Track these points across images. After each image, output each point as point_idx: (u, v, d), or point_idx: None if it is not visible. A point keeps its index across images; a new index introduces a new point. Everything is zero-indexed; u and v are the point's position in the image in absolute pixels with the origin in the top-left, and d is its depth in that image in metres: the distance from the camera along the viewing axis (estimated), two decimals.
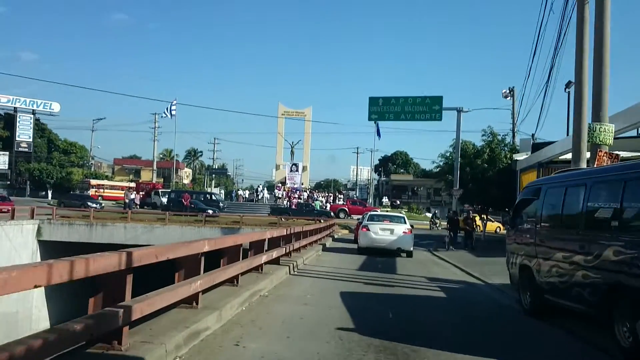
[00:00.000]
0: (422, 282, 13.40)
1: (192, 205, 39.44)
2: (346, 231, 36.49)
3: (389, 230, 20.73)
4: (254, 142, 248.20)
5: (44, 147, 79.12)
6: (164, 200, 51.42)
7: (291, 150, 69.58)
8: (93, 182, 61.73)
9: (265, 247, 12.51)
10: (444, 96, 31.46)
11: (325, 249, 22.27)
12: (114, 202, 53.78)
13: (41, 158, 76.88)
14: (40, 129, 78.73)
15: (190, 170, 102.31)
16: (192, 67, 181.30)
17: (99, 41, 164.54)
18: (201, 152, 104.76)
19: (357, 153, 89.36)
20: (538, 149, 32.15)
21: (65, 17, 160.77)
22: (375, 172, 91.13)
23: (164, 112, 60.01)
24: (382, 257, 19.88)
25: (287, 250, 14.06)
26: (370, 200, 70.95)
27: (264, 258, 10.74)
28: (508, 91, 37.07)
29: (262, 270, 10.87)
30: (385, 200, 66.19)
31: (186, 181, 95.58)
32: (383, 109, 31.36)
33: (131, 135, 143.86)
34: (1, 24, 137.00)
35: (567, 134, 33.35)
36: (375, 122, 61.13)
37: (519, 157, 30.07)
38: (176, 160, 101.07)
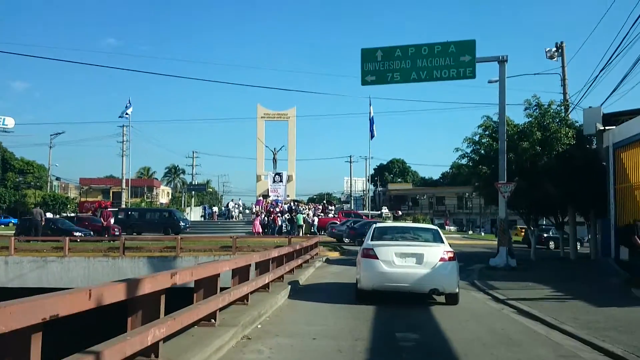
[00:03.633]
0: None
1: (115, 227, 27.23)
2: (336, 253, 24.51)
3: (414, 257, 10.22)
4: (237, 154, 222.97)
5: None
6: (112, 220, 39.78)
7: (273, 158, 57.38)
8: None
9: None
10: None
11: (292, 297, 10.29)
12: None
13: None
14: None
15: (168, 189, 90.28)
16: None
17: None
18: (182, 169, 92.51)
19: (350, 162, 77.53)
20: (612, 122, 20.83)
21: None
22: (370, 182, 79.18)
23: (123, 115, 48.46)
24: (406, 316, 8.15)
25: None
26: (367, 212, 58.85)
27: None
28: (554, 49, 25.50)
29: None
30: (385, 210, 54.15)
31: (164, 200, 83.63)
32: (384, 66, 19.55)
33: (103, 154, 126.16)
34: None
35: None
36: (370, 104, 49.75)
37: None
38: (153, 178, 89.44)
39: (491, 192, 21.67)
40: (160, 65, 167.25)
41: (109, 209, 27.31)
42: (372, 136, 52.88)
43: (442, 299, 10.71)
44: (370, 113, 50.41)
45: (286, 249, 12.96)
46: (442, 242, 10.90)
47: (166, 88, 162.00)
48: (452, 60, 18.98)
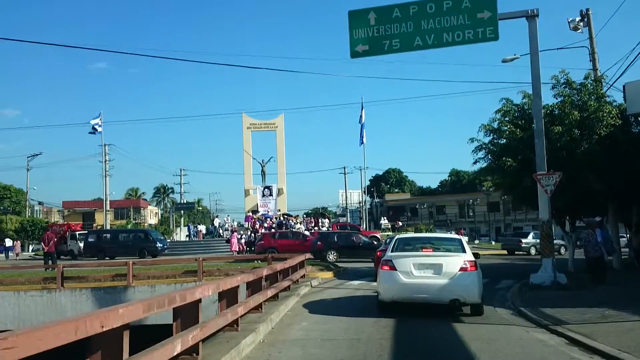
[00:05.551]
0: None
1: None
2: (329, 274, 19.68)
3: (431, 268, 9.91)
4: (228, 170, 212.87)
5: None
6: (82, 245, 34.97)
7: (262, 171, 52.47)
8: None
9: None
10: None
11: None
12: None
13: None
14: None
15: (157, 209, 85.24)
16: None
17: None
18: (171, 188, 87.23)
19: (345, 173, 72.74)
20: None
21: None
22: (366, 193, 74.35)
23: (93, 129, 43.83)
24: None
25: None
26: (364, 225, 53.97)
27: None
28: (579, 19, 21.01)
29: None
30: (384, 221, 49.33)
31: (152, 220, 78.62)
32: (379, 32, 14.96)
33: (90, 176, 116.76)
34: None
35: None
36: (362, 108, 45.00)
37: None
38: (142, 199, 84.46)
39: (523, 189, 17.04)
40: (149, 78, 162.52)
41: (50, 232, 22.27)
42: (361, 142, 48.68)
43: (468, 310, 10.27)
44: (361, 118, 46.13)
45: (240, 277, 8.09)
46: (464, 251, 10.44)
47: (155, 106, 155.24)
48: (467, 19, 14.42)
